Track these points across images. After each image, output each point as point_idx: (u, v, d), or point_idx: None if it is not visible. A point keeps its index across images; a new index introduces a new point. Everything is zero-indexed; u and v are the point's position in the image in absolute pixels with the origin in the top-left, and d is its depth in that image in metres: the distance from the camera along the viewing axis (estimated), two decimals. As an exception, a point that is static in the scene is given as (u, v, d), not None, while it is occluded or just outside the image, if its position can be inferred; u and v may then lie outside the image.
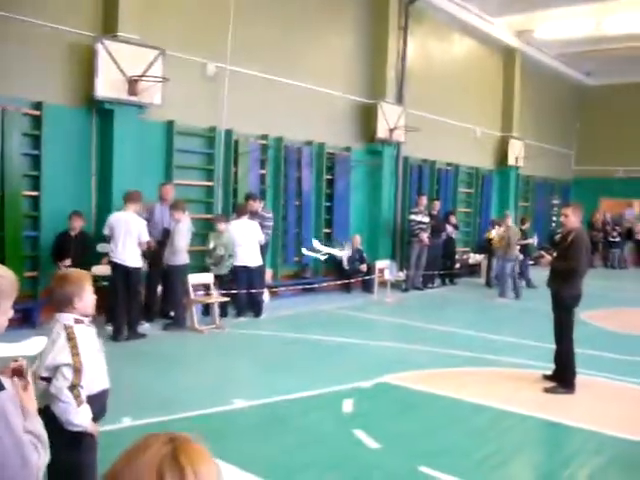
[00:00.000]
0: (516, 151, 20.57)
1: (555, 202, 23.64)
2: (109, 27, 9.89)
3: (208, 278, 10.14)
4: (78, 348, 3.13)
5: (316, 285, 13.31)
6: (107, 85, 9.59)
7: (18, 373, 2.35)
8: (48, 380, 3.10)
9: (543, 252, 8.68)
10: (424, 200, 14.78)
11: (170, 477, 1.13)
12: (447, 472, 4.76)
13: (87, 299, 3.26)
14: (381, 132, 14.80)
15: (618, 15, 17.37)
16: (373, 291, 13.38)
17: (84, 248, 9.11)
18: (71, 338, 3.13)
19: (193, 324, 9.62)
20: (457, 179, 18.46)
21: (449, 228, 15.69)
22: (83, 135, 9.90)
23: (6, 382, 2.08)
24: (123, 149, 9.95)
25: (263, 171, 12.67)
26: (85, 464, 3.26)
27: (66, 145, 9.67)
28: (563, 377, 7.06)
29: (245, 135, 12.13)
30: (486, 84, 19.69)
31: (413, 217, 14.48)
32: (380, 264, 13.62)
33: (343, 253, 13.64)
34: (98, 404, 3.29)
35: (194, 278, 9.93)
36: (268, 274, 12.13)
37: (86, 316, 3.29)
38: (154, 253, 9.65)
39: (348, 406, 6.28)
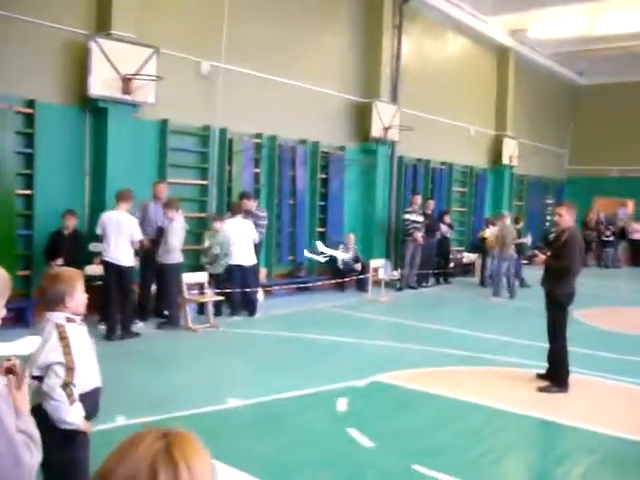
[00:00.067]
0: (510, 150, 20.61)
1: (549, 201, 23.69)
2: (103, 25, 9.85)
3: (202, 277, 10.13)
4: (70, 347, 3.12)
5: (310, 284, 13.31)
6: (101, 83, 9.56)
7: (11, 372, 2.34)
8: (40, 379, 3.09)
9: (537, 251, 8.69)
10: (418, 199, 14.79)
11: (164, 472, 1.13)
12: (441, 471, 4.76)
13: (79, 298, 3.26)
14: (375, 131, 14.80)
15: (611, 15, 17.42)
16: (367, 290, 13.38)
17: (77, 247, 9.08)
18: (63, 337, 3.12)
19: (187, 323, 9.61)
20: (451, 178, 18.48)
21: (444, 227, 15.70)
22: (76, 134, 9.87)
23: (-1, 381, 2.07)
24: (117, 148, 9.92)
25: (257, 170, 12.66)
26: (78, 462, 3.26)
27: (59, 144, 9.63)
28: (556, 376, 7.07)
29: (239, 134, 12.11)
30: (480, 83, 19.72)
31: (407, 216, 14.49)
32: (374, 263, 13.62)
33: (345, 255, 13.65)
34: (90, 402, 3.29)
35: (188, 277, 9.91)
36: (262, 273, 12.13)
37: (78, 315, 3.28)
38: (148, 252, 9.63)
39: (342, 405, 6.28)
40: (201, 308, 10.29)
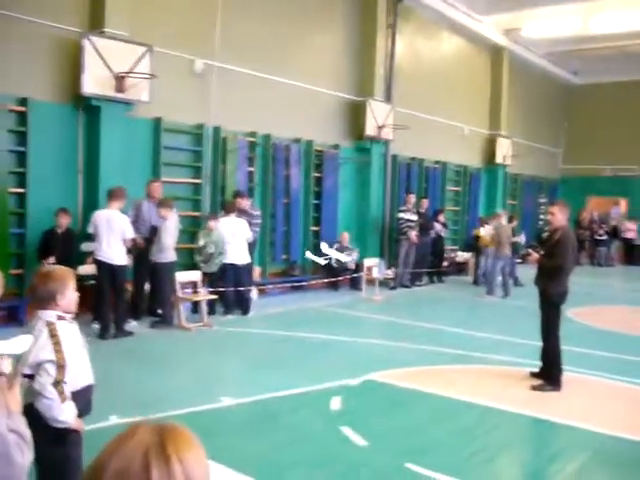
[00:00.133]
0: (504, 149, 20.65)
1: (542, 200, 23.75)
2: (96, 23, 9.82)
3: (196, 276, 10.11)
4: (61, 344, 3.11)
5: (304, 283, 13.31)
6: (94, 82, 9.53)
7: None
8: (31, 377, 3.08)
9: (531, 250, 8.71)
10: (412, 198, 14.79)
11: (156, 465, 1.13)
12: (434, 469, 4.77)
13: (70, 296, 3.24)
14: (369, 130, 14.81)
15: (605, 14, 17.48)
16: (361, 289, 13.39)
17: (70, 246, 9.04)
18: (54, 335, 3.11)
19: (181, 322, 9.60)
20: (445, 177, 18.51)
21: (438, 226, 15.71)
22: (69, 132, 9.83)
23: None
24: (110, 146, 9.89)
25: (251, 168, 12.65)
26: (71, 460, 3.25)
27: (52, 142, 9.60)
28: (550, 374, 7.09)
29: (233, 132, 12.10)
30: (474, 82, 19.74)
31: (401, 215, 14.50)
32: (368, 262, 13.64)
33: (349, 259, 13.64)
34: (83, 400, 3.27)
35: (182, 276, 9.90)
36: (256, 272, 12.13)
37: (69, 313, 3.27)
38: (141, 250, 9.61)
39: (336, 403, 6.28)
40: (195, 307, 10.28)
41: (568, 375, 7.16)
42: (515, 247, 15.13)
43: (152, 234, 9.74)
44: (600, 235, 22.07)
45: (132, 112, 10.28)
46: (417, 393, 6.80)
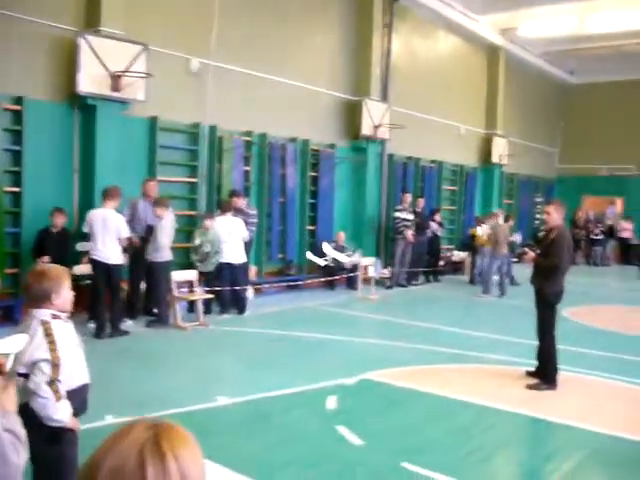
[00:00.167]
0: (500, 149, 20.67)
1: (539, 200, 23.77)
2: (92, 22, 9.80)
3: (192, 275, 10.10)
4: (56, 343, 3.10)
5: (300, 282, 13.31)
6: (89, 80, 9.51)
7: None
8: (26, 376, 3.07)
9: (527, 249, 8.73)
10: (408, 197, 14.79)
11: (151, 462, 1.13)
12: (430, 468, 4.77)
13: (65, 295, 3.23)
14: (366, 129, 14.81)
15: (601, 13, 17.50)
16: (357, 288, 13.38)
17: (65, 245, 9.03)
18: (48, 334, 3.10)
19: (177, 321, 9.58)
20: (441, 176, 18.52)
21: (434, 226, 15.72)
22: (65, 131, 9.81)
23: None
24: (106, 145, 9.87)
25: (247, 168, 12.64)
26: (66, 459, 3.24)
27: (48, 141, 9.58)
28: (545, 373, 7.10)
29: (229, 131, 12.08)
30: (470, 82, 19.76)
31: (398, 214, 14.49)
32: (364, 261, 13.64)
33: (350, 260, 13.63)
34: (78, 399, 3.26)
35: (178, 275, 9.89)
36: (252, 271, 12.12)
37: (64, 312, 3.26)
38: (137, 250, 9.60)
39: (331, 403, 6.27)
40: (191, 306, 10.26)
41: (564, 374, 7.18)
42: (511, 246, 15.14)
43: (148, 233, 9.73)
44: (596, 234, 22.11)
45: (128, 111, 10.26)
46: (413, 392, 6.80)
